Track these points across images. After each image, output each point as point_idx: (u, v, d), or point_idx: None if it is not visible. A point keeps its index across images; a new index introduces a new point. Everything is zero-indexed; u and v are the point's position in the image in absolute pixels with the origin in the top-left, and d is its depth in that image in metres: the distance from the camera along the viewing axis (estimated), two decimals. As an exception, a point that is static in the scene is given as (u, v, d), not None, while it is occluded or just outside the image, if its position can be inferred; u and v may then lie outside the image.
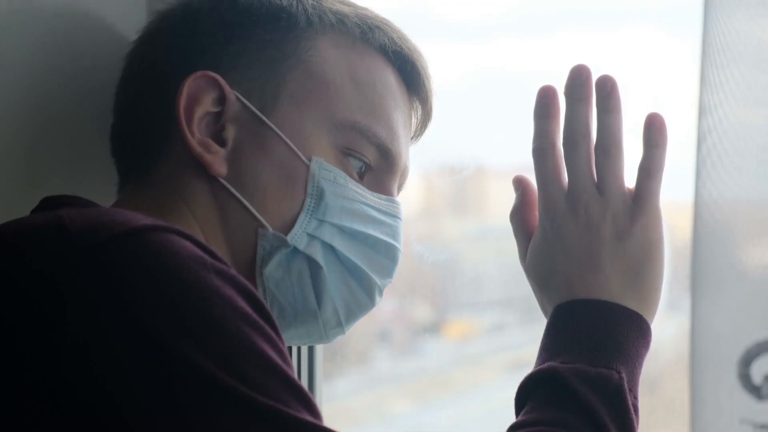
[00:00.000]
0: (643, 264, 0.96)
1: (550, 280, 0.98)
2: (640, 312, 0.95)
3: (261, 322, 0.78)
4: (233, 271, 0.80)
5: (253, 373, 0.76)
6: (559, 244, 0.97)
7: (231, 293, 0.78)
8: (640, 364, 0.94)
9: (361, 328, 1.05)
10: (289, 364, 0.79)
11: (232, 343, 0.76)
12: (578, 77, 0.99)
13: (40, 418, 0.74)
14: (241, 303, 0.78)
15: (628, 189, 0.98)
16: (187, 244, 0.79)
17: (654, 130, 0.99)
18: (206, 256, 0.79)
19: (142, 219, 0.79)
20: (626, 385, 0.91)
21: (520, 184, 1.03)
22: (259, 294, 0.96)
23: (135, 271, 0.76)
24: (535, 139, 1.00)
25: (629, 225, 0.96)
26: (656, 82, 1.31)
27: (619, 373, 0.91)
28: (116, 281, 0.76)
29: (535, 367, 0.93)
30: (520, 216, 1.03)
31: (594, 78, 0.99)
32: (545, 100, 1.00)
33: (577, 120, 0.98)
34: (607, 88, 0.98)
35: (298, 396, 0.77)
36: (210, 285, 0.77)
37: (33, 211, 0.95)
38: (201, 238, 0.96)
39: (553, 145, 0.99)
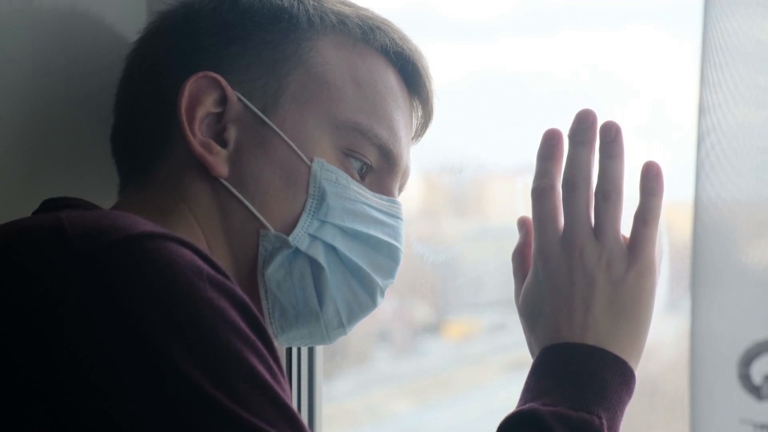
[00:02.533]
0: (633, 310, 0.96)
1: (539, 321, 0.98)
2: (625, 358, 0.95)
3: (253, 337, 0.78)
4: (230, 283, 0.79)
5: (239, 388, 0.75)
6: (550, 285, 0.97)
7: (225, 306, 0.77)
8: (622, 411, 0.93)
9: (361, 328, 1.05)
10: (279, 381, 0.78)
11: (221, 355, 0.76)
12: (584, 121, 1.00)
13: (36, 423, 0.74)
14: (235, 317, 0.77)
15: (624, 237, 0.98)
16: (186, 252, 0.79)
17: (651, 179, 0.99)
18: (204, 266, 0.78)
19: (142, 225, 0.79)
20: (606, 431, 0.91)
21: (524, 224, 1.03)
22: (257, 307, 0.97)
23: (132, 278, 0.76)
24: (535, 179, 1.00)
25: (623, 272, 0.96)
26: (656, 82, 1.31)
27: (600, 418, 0.91)
28: (112, 288, 0.76)
29: (517, 407, 0.93)
30: (521, 256, 1.03)
31: (599, 123, 1.00)
32: (550, 141, 1.01)
33: (578, 163, 0.99)
34: (612, 134, 0.99)
35: (284, 415, 0.77)
36: (204, 296, 0.77)
37: (34, 213, 0.95)
38: (202, 240, 0.96)
39: (552, 186, 0.99)
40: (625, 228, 0.99)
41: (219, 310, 0.77)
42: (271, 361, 0.79)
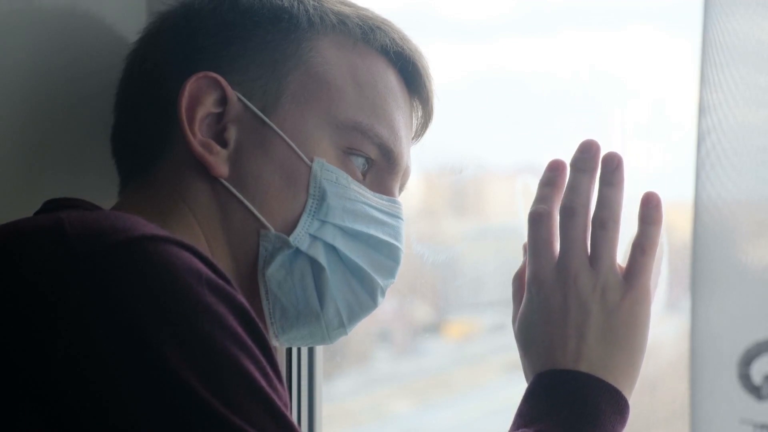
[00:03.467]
0: (626, 339, 0.96)
1: (532, 347, 0.98)
2: (619, 387, 0.95)
3: (250, 343, 0.77)
4: (229, 288, 0.79)
5: (233, 394, 0.75)
6: (544, 312, 0.97)
7: (223, 311, 0.77)
8: None
9: (361, 328, 1.05)
10: (275, 388, 0.78)
11: (216, 361, 0.76)
12: (587, 151, 1.00)
13: (32, 423, 0.74)
14: (232, 322, 0.77)
15: (619, 266, 0.98)
16: (186, 255, 0.78)
17: (651, 208, 0.99)
18: (203, 270, 0.78)
19: (142, 227, 0.79)
20: None
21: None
22: (257, 307, 0.97)
23: (130, 281, 0.76)
24: (533, 204, 1.01)
25: (618, 300, 0.96)
26: (656, 82, 1.31)
27: None
28: (111, 290, 0.75)
29: None
30: (520, 281, 1.03)
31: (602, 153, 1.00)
32: (553, 170, 1.01)
33: (578, 189, 0.99)
34: (613, 164, 0.99)
35: (278, 422, 0.77)
36: (202, 301, 0.77)
37: (36, 214, 0.95)
38: (202, 240, 0.96)
39: (549, 212, 0.99)
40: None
41: (216, 315, 0.77)
42: (268, 368, 0.78)
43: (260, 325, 0.80)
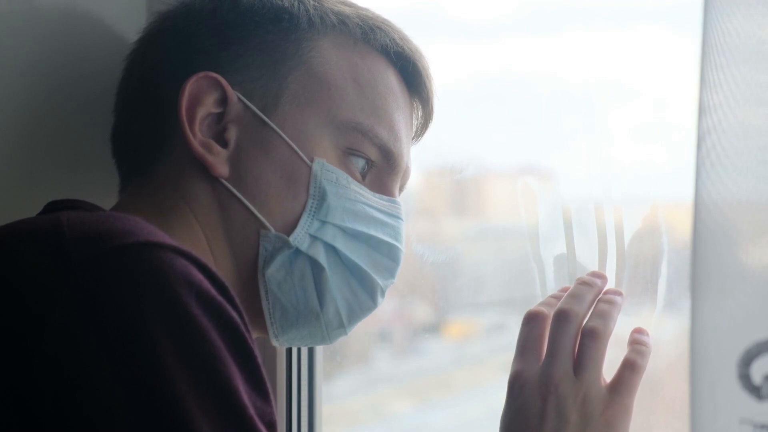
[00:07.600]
0: None
1: None
2: None
3: (230, 359, 0.77)
4: (221, 299, 0.78)
5: (209, 407, 0.75)
6: (523, 413, 0.97)
7: (207, 325, 0.77)
8: None
9: (361, 328, 1.05)
10: (254, 404, 0.77)
11: (194, 373, 0.75)
12: (597, 275, 1.02)
13: (15, 423, 0.74)
14: (214, 336, 0.77)
15: (603, 380, 0.98)
16: (180, 263, 0.78)
17: (645, 335, 1.01)
18: (196, 280, 0.78)
19: (140, 231, 0.79)
20: None
21: None
22: (257, 307, 0.96)
23: (119, 288, 0.76)
24: (535, 306, 1.01)
25: (598, 414, 0.96)
26: (657, 82, 1.31)
27: None
28: (99, 296, 0.76)
29: None
30: None
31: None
32: (566, 287, 1.03)
33: (577, 298, 0.99)
34: (617, 292, 1.01)
35: None
36: (188, 312, 0.76)
37: (38, 215, 0.95)
38: (202, 240, 0.96)
39: (546, 316, 1.00)
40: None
41: (200, 327, 0.76)
42: (249, 385, 0.78)
43: (248, 339, 0.79)
